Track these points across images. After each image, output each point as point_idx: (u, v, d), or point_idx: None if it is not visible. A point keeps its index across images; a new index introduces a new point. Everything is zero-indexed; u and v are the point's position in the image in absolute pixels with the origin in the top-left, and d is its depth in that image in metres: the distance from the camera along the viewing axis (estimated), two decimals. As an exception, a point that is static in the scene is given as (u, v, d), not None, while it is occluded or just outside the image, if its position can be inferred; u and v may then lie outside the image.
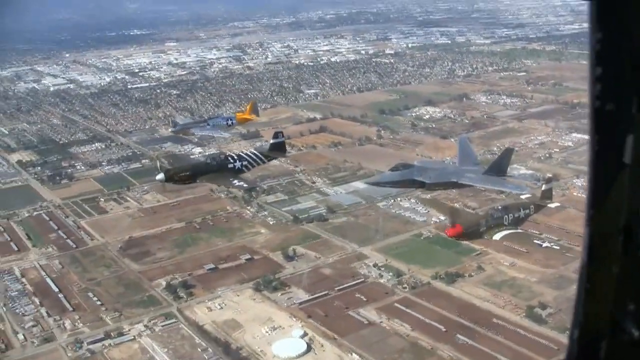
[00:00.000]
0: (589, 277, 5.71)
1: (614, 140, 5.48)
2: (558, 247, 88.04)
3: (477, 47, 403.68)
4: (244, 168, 72.88)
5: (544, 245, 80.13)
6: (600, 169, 5.61)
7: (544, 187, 75.72)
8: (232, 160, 72.94)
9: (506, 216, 69.59)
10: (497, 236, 69.37)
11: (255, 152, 78.58)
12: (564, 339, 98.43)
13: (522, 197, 76.59)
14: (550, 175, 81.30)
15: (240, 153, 76.70)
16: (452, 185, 70.49)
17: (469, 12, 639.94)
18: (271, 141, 79.88)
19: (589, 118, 5.56)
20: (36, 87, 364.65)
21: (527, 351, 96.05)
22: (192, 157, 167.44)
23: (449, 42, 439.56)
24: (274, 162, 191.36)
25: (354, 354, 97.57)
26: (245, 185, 74.10)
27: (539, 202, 74.78)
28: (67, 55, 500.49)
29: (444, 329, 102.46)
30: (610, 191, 5.58)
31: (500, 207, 72.95)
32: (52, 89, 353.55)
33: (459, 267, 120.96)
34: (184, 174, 70.79)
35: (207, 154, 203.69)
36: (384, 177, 70.12)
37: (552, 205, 79.99)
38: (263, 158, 76.65)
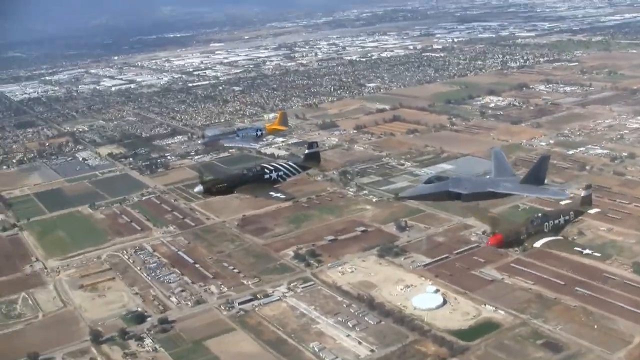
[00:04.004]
0: None
1: None
2: (599, 255, 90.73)
3: (523, 40, 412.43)
4: (279, 179, 71.92)
5: (585, 252, 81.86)
6: None
7: (583, 194, 74.07)
8: (267, 172, 71.62)
9: (546, 223, 68.19)
10: (538, 244, 66.88)
11: (290, 163, 76.76)
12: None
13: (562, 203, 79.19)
14: (589, 183, 79.35)
15: (276, 164, 75.19)
16: (490, 195, 66.85)
17: (505, 7, 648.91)
18: (306, 151, 77.96)
19: None
20: (97, 87, 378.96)
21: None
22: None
23: (494, 35, 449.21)
24: (359, 148, 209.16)
25: (487, 305, 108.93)
26: (282, 196, 69.97)
27: (579, 208, 73.58)
28: (116, 58, 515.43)
29: (563, 283, 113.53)
30: None
31: (540, 215, 70.40)
32: (113, 89, 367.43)
33: (561, 232, 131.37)
34: (222, 186, 69.78)
35: (289, 143, 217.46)
36: (417, 190, 66.80)
37: (592, 212, 76.63)
38: (299, 169, 74.78)
